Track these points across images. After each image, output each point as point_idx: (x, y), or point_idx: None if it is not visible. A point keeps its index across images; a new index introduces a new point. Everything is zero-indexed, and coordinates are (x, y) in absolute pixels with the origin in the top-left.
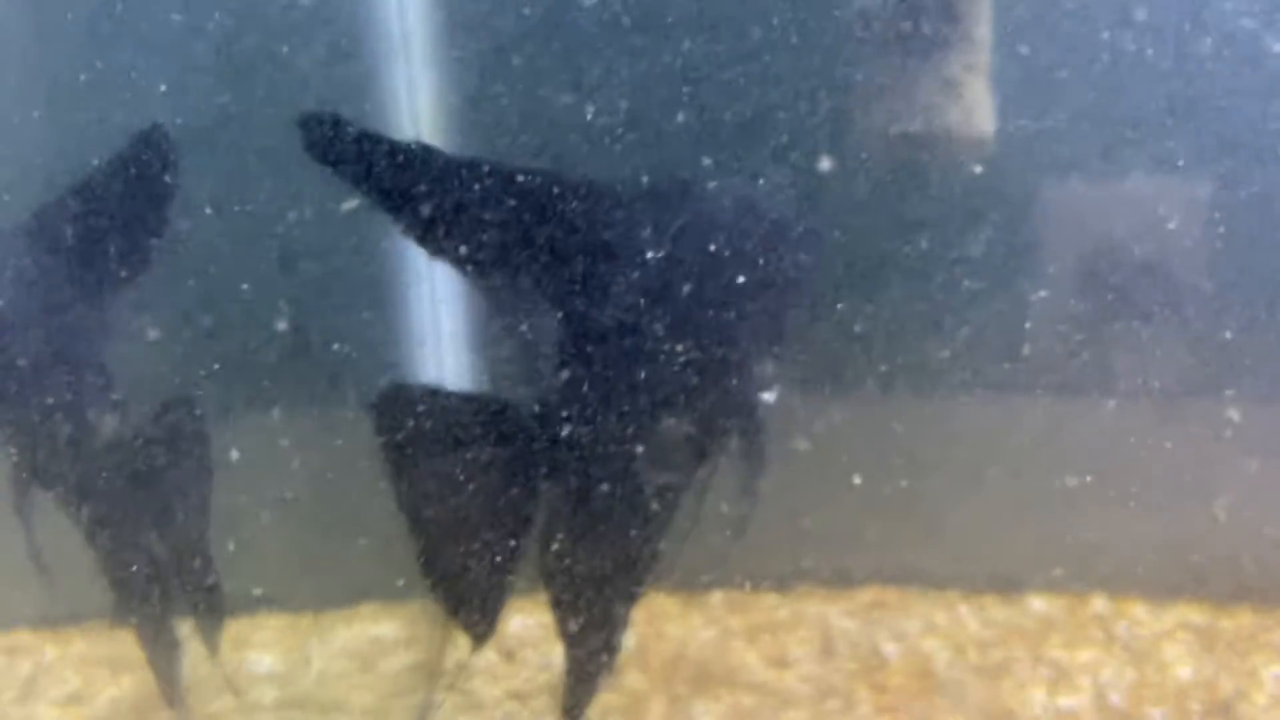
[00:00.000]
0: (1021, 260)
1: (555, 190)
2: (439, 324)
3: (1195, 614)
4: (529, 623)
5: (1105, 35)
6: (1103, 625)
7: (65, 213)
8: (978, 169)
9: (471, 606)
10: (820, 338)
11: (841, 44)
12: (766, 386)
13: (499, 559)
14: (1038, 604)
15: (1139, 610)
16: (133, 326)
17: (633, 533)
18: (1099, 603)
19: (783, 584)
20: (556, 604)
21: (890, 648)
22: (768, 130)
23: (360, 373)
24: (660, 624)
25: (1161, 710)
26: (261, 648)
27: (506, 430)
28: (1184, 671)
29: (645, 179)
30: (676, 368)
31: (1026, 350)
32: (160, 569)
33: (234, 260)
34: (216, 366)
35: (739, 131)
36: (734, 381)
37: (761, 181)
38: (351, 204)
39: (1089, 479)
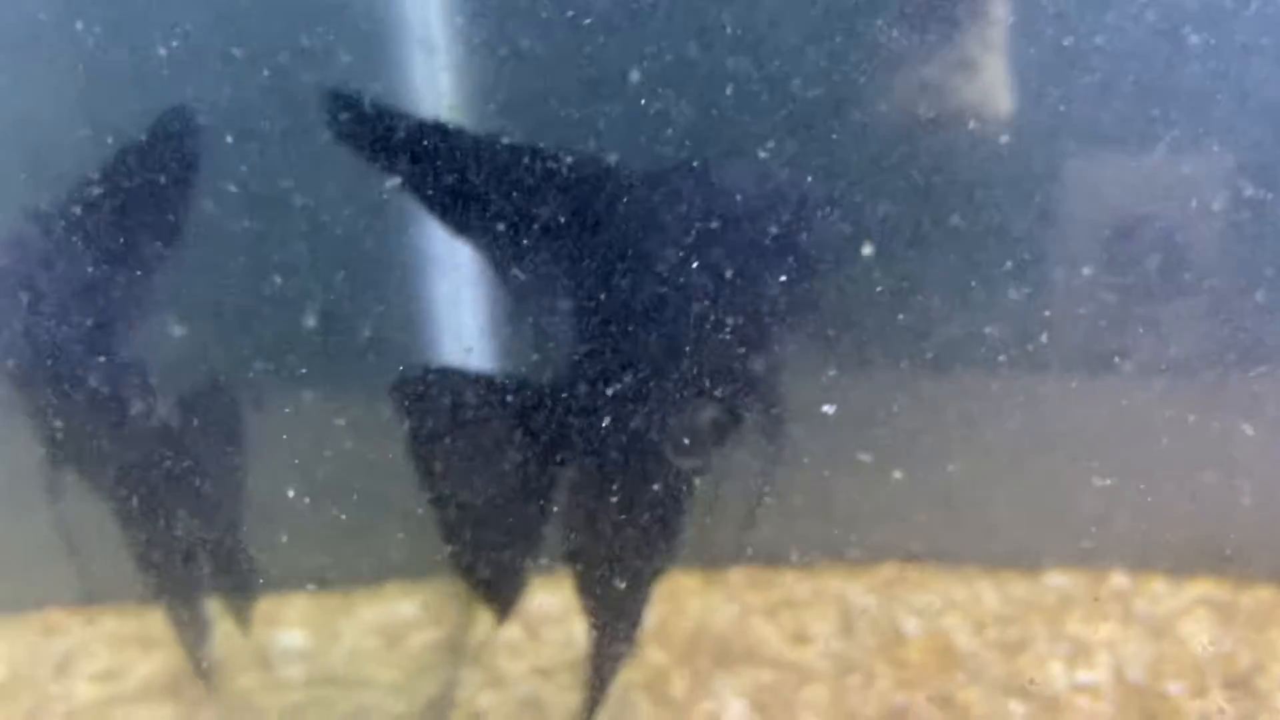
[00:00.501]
0: (1041, 238)
1: (576, 170)
2: (461, 306)
3: (1214, 589)
4: (552, 600)
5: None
6: (1122, 601)
7: (95, 197)
8: (996, 147)
9: (494, 584)
10: (840, 316)
11: (859, 23)
12: (790, 367)
13: (520, 538)
14: (1057, 580)
15: (1158, 586)
16: (163, 311)
17: (654, 511)
18: (1118, 578)
19: (803, 561)
20: (579, 582)
21: (910, 624)
22: (787, 111)
23: (384, 356)
24: (681, 600)
25: (1180, 685)
26: (291, 625)
27: (527, 411)
28: (1202, 646)
29: (665, 160)
30: (698, 347)
31: (1047, 327)
32: (191, 549)
33: (261, 247)
34: (245, 351)
35: (758, 113)
36: (755, 360)
37: (781, 162)
38: (394, 181)
39: (1109, 455)
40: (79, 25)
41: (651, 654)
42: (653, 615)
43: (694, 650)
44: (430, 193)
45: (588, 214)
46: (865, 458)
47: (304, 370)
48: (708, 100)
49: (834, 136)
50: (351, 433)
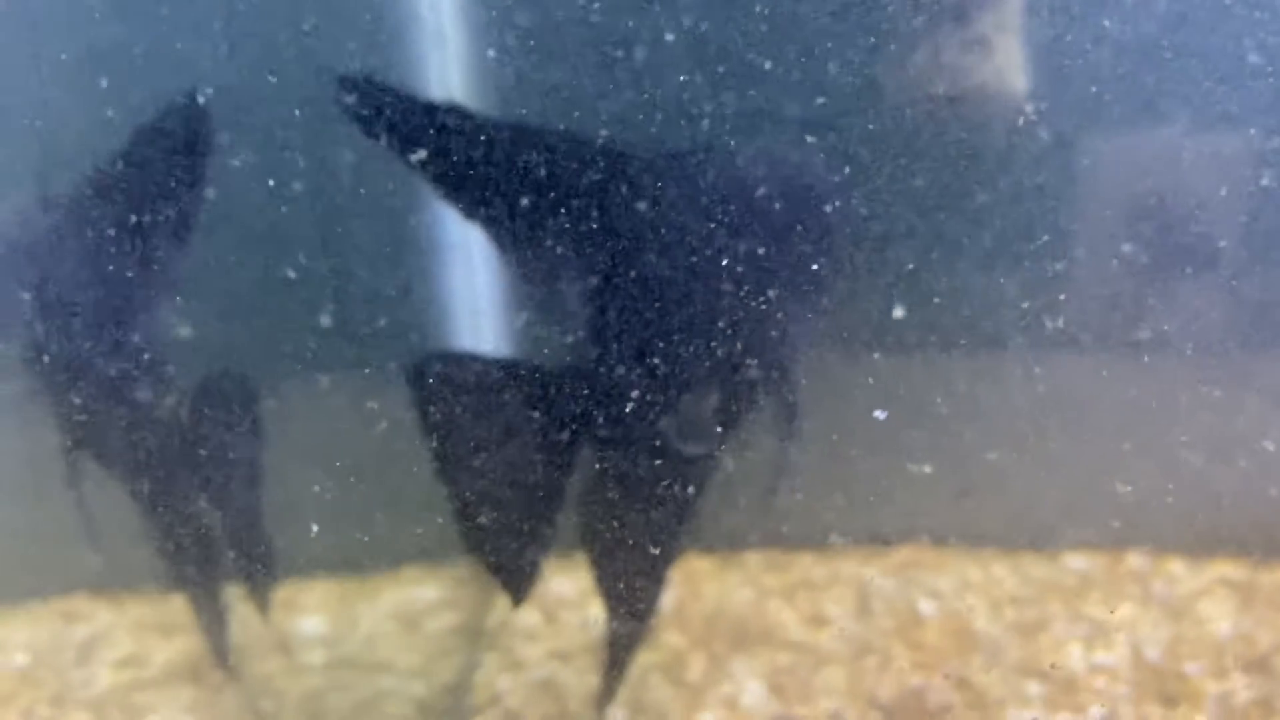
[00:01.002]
0: (1059, 217)
1: (589, 154)
2: (476, 292)
3: (1233, 570)
4: (569, 583)
5: None
6: (1140, 581)
7: (109, 184)
8: (1012, 126)
9: (510, 568)
10: (854, 297)
11: (873, 3)
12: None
13: (536, 521)
14: (1075, 561)
15: (1177, 566)
16: (179, 298)
17: (669, 494)
18: (1136, 559)
19: (819, 543)
20: (595, 565)
21: (927, 605)
22: (800, 92)
23: (400, 342)
24: (698, 583)
25: (1198, 665)
26: (310, 610)
27: (542, 395)
28: (1222, 627)
29: (678, 143)
30: (711, 331)
31: (1066, 307)
32: (210, 536)
33: (275, 234)
34: (261, 338)
35: (771, 95)
36: (768, 344)
37: (795, 143)
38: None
39: (1129, 436)
40: (95, 14)
41: (669, 636)
42: (670, 598)
43: (711, 633)
44: (443, 176)
45: (600, 198)
46: (881, 439)
47: (320, 356)
48: (720, 83)
49: (849, 117)
50: (368, 418)
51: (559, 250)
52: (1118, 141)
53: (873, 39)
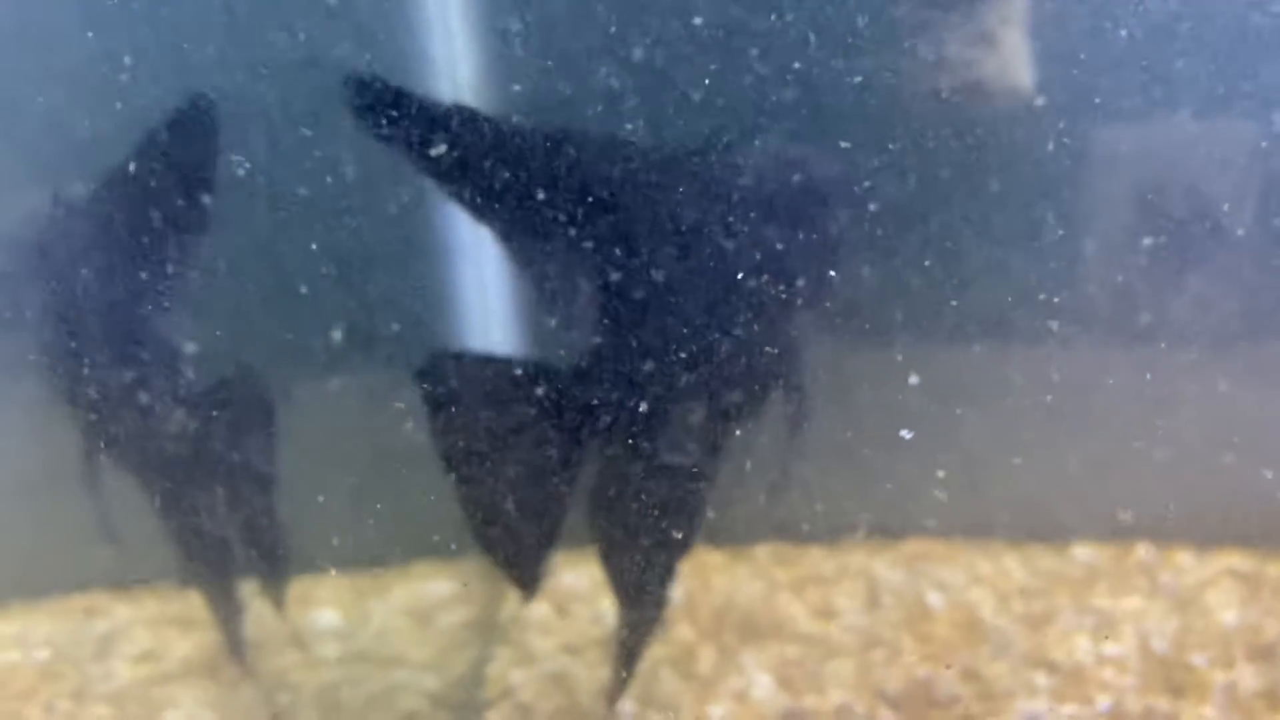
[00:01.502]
0: (1067, 209)
1: (598, 152)
2: (485, 292)
3: (1240, 560)
4: (580, 577)
5: None
6: (1147, 573)
7: (125, 187)
8: (1016, 120)
9: (519, 563)
10: (863, 291)
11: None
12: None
13: (546, 519)
14: (1083, 553)
15: (1184, 557)
16: (194, 300)
17: (678, 489)
18: (1144, 550)
19: (829, 536)
20: (606, 560)
21: (935, 598)
22: (805, 87)
23: (412, 341)
24: (708, 577)
25: (1205, 656)
26: (324, 605)
27: (550, 392)
28: (1228, 617)
29: (683, 140)
30: (720, 327)
31: (1073, 300)
32: (225, 534)
33: (289, 236)
34: (276, 337)
35: (776, 90)
36: (777, 339)
37: (803, 139)
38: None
39: (1137, 427)
40: (98, 18)
41: (679, 630)
42: (680, 591)
43: (721, 626)
44: (452, 176)
45: (611, 196)
46: (890, 432)
47: (331, 356)
48: (726, 81)
49: (855, 113)
50: (379, 416)
51: (568, 249)
52: (1124, 132)
53: (878, 35)
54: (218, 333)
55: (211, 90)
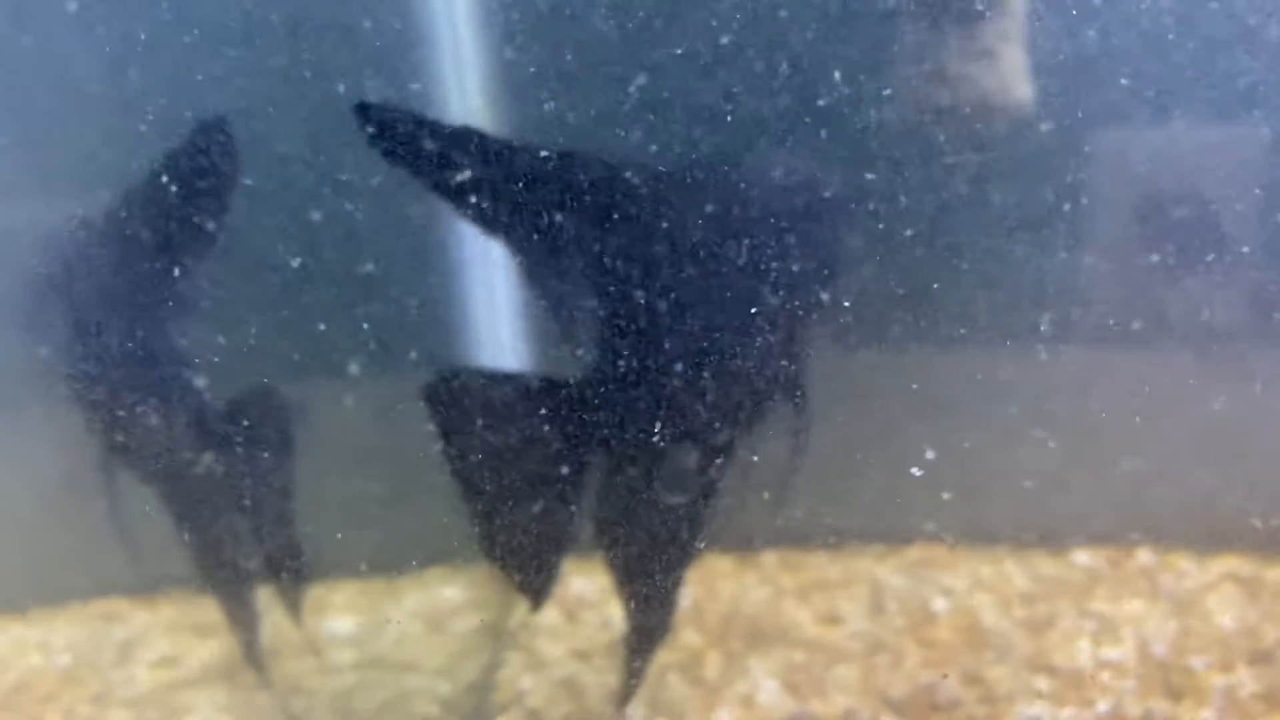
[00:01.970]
0: (1064, 215)
1: (605, 170)
2: (496, 307)
3: (1240, 565)
4: (589, 584)
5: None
6: (1147, 577)
7: (142, 202)
8: (1018, 134)
9: (527, 572)
10: (866, 301)
11: (877, 15)
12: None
13: (553, 530)
14: (1083, 558)
15: (1184, 562)
16: (210, 311)
17: (684, 497)
18: (1144, 555)
19: (833, 543)
20: (614, 567)
21: (939, 603)
22: (806, 103)
23: (423, 353)
24: (714, 583)
25: (1204, 659)
26: (339, 612)
27: (558, 404)
28: (1228, 621)
29: (687, 155)
30: (726, 339)
31: (1070, 306)
32: (241, 542)
33: (304, 250)
34: (291, 348)
35: (778, 105)
36: (782, 350)
37: (806, 156)
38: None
39: (1136, 432)
40: (114, 38)
41: (686, 636)
42: (687, 598)
43: (727, 632)
44: (462, 195)
45: (619, 214)
46: (893, 438)
47: (344, 368)
48: (730, 97)
49: (857, 129)
50: (392, 426)
51: (576, 265)
52: (1124, 142)
53: (879, 51)
54: (233, 347)
55: (227, 112)
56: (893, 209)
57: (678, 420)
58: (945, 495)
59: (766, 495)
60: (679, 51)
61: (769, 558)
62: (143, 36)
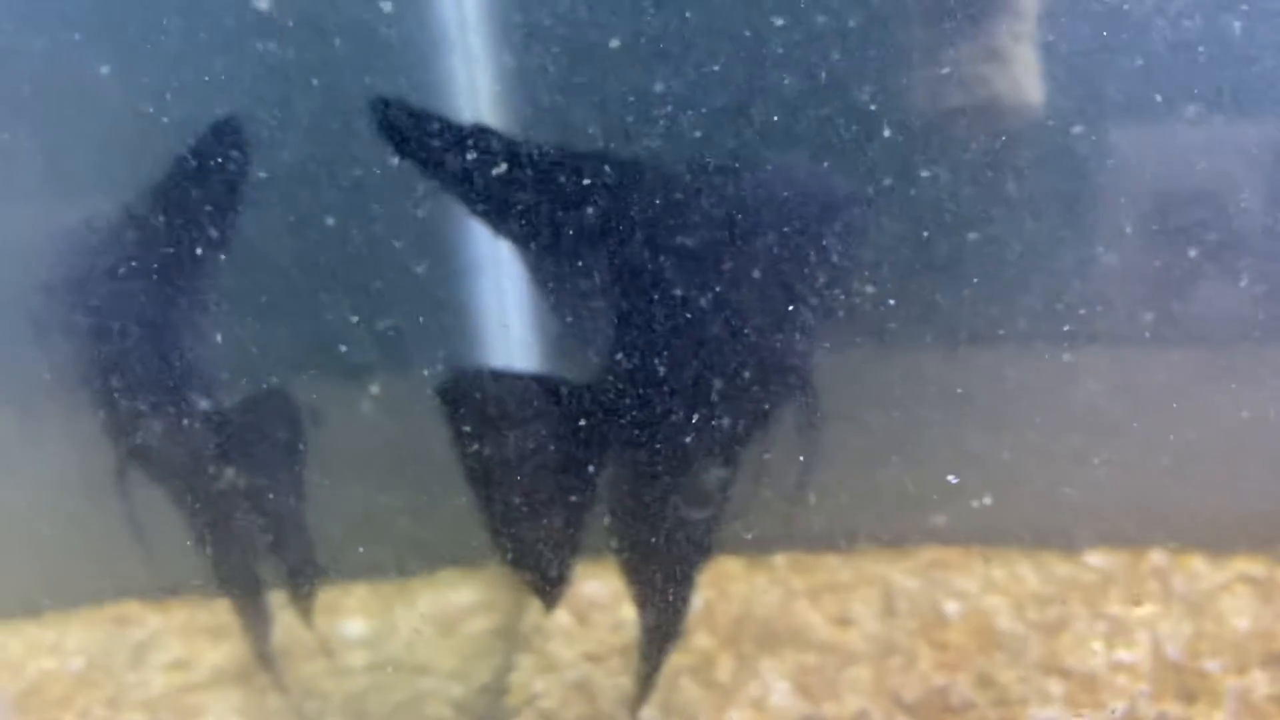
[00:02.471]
0: (1078, 216)
1: (614, 170)
2: (507, 308)
3: (1253, 566)
4: (601, 586)
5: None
6: (1161, 579)
7: (152, 204)
8: (1030, 135)
9: (541, 573)
10: (877, 301)
11: (889, 16)
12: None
13: (565, 531)
14: (1096, 559)
15: (1197, 563)
16: (222, 312)
17: (695, 499)
18: (1157, 557)
19: (845, 545)
20: (627, 570)
21: (951, 605)
22: (818, 104)
23: (435, 355)
24: (726, 585)
25: (1218, 662)
26: (351, 614)
27: (570, 405)
28: (1242, 623)
29: (696, 156)
30: (732, 340)
31: (1084, 305)
32: (253, 544)
33: (315, 250)
34: (301, 351)
35: (789, 106)
36: (789, 351)
37: (813, 156)
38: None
39: (1147, 431)
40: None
41: (698, 638)
42: (699, 600)
43: (739, 634)
44: (473, 193)
45: (629, 213)
46: (906, 440)
47: (355, 369)
48: (741, 98)
49: (868, 130)
50: (402, 428)
51: (587, 264)
52: (1135, 141)
53: (890, 52)
54: (242, 347)
55: (237, 112)
56: (905, 210)
57: (691, 422)
58: (957, 497)
59: (780, 496)
60: (689, 54)
61: (780, 559)
62: (154, 36)
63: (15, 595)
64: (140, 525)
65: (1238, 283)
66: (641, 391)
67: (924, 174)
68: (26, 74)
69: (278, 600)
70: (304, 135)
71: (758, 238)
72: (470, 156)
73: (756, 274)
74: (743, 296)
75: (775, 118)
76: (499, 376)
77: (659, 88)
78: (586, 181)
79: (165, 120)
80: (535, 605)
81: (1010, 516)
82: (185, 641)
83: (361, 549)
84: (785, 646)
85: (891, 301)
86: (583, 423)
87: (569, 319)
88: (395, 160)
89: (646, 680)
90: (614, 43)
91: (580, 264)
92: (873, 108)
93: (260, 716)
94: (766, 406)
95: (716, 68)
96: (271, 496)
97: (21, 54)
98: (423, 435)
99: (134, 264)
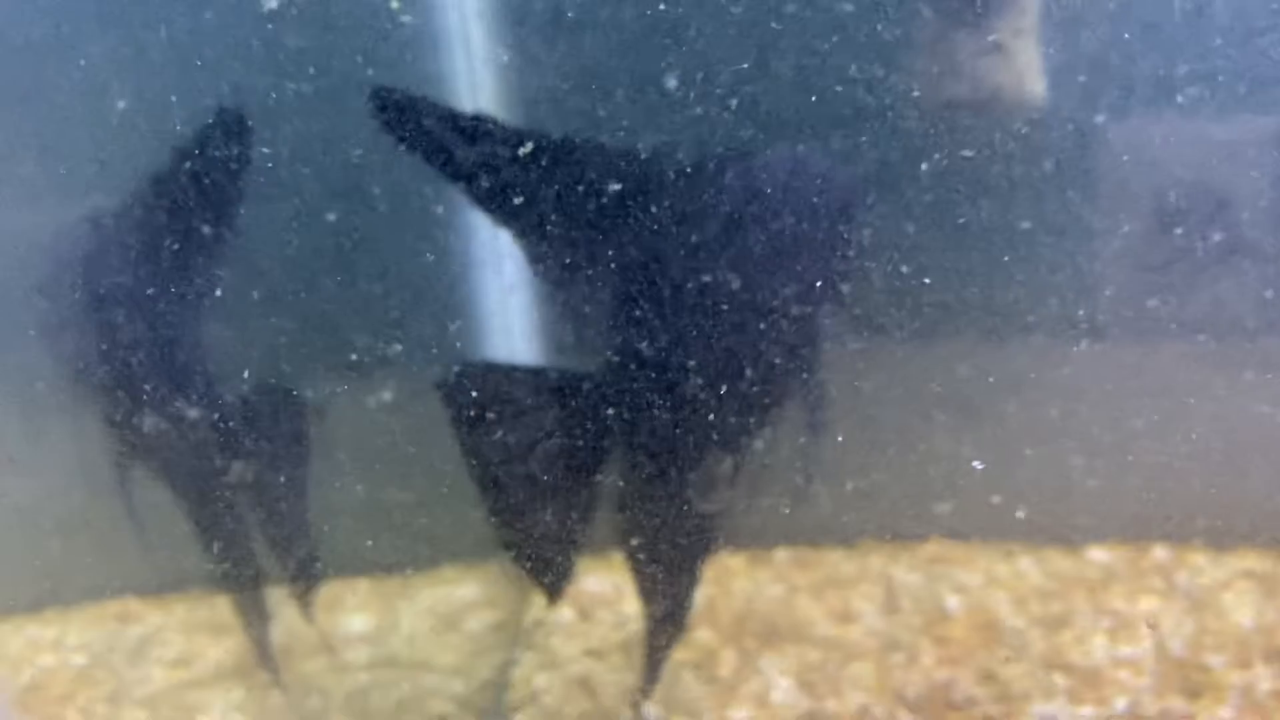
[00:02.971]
0: (1079, 208)
1: (618, 161)
2: (509, 302)
3: (1256, 562)
4: (602, 582)
5: None
6: (1163, 574)
7: (151, 198)
8: (1032, 130)
9: (545, 568)
10: (880, 295)
11: (891, 11)
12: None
13: (570, 523)
14: (1099, 554)
15: (1200, 559)
16: (223, 309)
17: (698, 495)
18: (1160, 552)
19: (847, 540)
20: (632, 563)
21: (953, 601)
22: (821, 97)
23: (436, 349)
24: (728, 581)
25: (1221, 657)
26: (353, 610)
27: (573, 400)
28: (1245, 618)
29: (699, 148)
30: (740, 332)
31: (1084, 301)
32: (253, 540)
33: (316, 246)
34: (304, 347)
35: (792, 99)
36: (798, 344)
37: (815, 148)
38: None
39: (1151, 427)
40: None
41: (700, 634)
42: (701, 596)
43: (741, 630)
44: (473, 185)
45: (629, 204)
46: (905, 435)
47: (358, 365)
48: (742, 91)
49: (870, 124)
50: (406, 421)
51: (589, 257)
52: (1138, 136)
53: (891, 46)
54: (243, 342)
55: (238, 107)
56: (906, 204)
57: (696, 413)
58: (960, 491)
59: (785, 491)
60: (690, 49)
61: (782, 555)
62: (156, 28)
63: (16, 591)
64: (142, 521)
65: (1242, 276)
66: (645, 384)
67: (925, 168)
68: (22, 66)
69: (280, 596)
70: (306, 128)
71: (762, 228)
72: (471, 145)
73: (761, 264)
74: (747, 287)
75: (777, 109)
76: (502, 369)
77: (660, 78)
78: (589, 171)
79: (167, 114)
80: (537, 601)
81: (1013, 511)
82: (186, 638)
83: (365, 544)
84: (787, 642)
85: (892, 296)
86: (585, 415)
87: (571, 311)
88: (397, 150)
89: (651, 674)
90: (614, 32)
91: (582, 254)
92: (874, 101)
93: (262, 713)
94: (772, 398)
95: (717, 59)
96: (274, 491)
97: (17, 45)
98: (425, 429)
99: (135, 257)
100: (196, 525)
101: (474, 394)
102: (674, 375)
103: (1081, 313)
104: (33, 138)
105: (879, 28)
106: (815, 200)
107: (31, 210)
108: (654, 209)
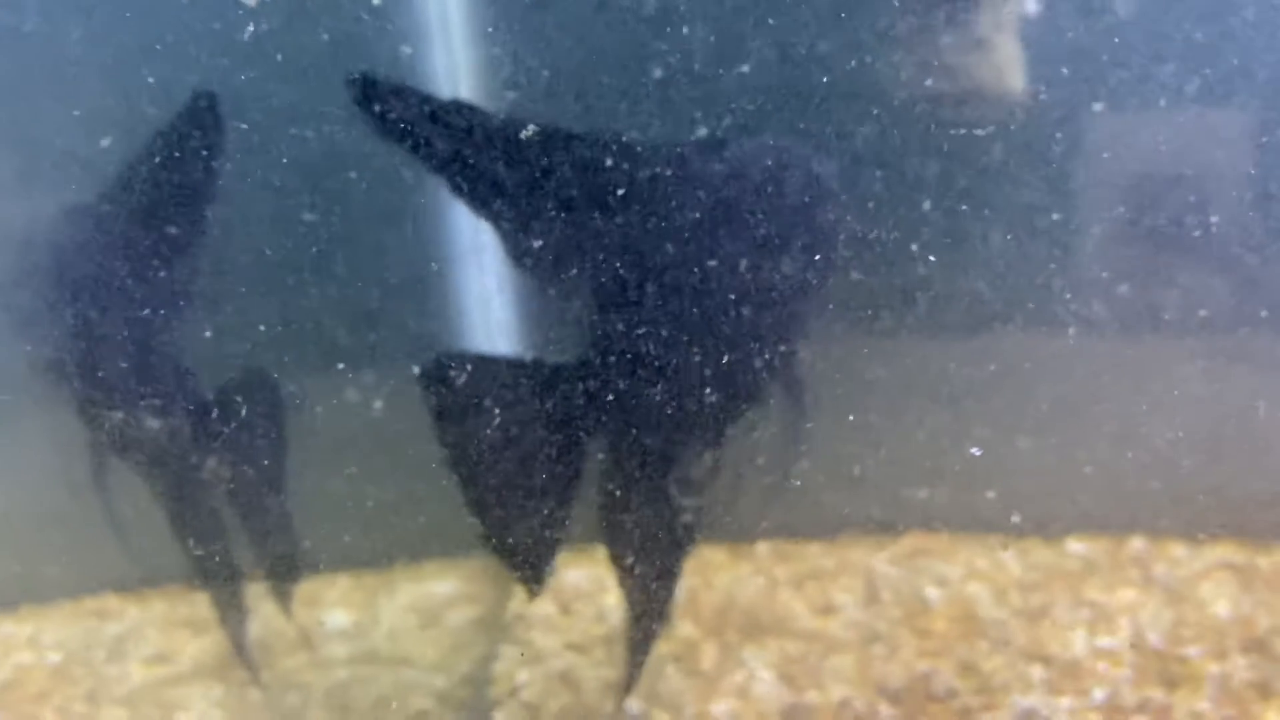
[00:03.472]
0: (1060, 200)
1: (596, 149)
2: (488, 290)
3: (1233, 553)
4: (584, 576)
5: None
6: (1141, 566)
7: (128, 189)
8: (1012, 124)
9: (525, 561)
10: (860, 288)
11: (873, 3)
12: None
13: (551, 515)
14: (1077, 546)
15: (1177, 550)
16: (203, 302)
17: (680, 487)
18: (1138, 544)
19: (828, 533)
20: (613, 556)
21: (933, 593)
22: (801, 89)
23: (416, 342)
24: (710, 574)
25: (1199, 648)
26: (333, 605)
27: (553, 391)
28: (1222, 609)
29: (681, 138)
30: (720, 324)
31: (1063, 294)
32: (231, 535)
33: (296, 237)
34: (283, 339)
35: (772, 90)
36: (778, 336)
37: (797, 141)
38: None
39: (1129, 418)
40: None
41: (682, 627)
42: (682, 589)
43: (723, 623)
44: (452, 172)
45: (609, 194)
46: (886, 427)
47: (337, 357)
48: (723, 83)
49: (847, 116)
50: (384, 416)
51: (568, 246)
52: (1118, 129)
53: (873, 41)
54: (221, 334)
55: (216, 99)
56: (888, 197)
57: (676, 407)
58: (939, 484)
59: (765, 485)
60: (670, 44)
61: (763, 548)
62: (136, 24)
63: None
64: (118, 516)
65: (1219, 271)
66: (626, 375)
67: (908, 161)
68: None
69: (258, 592)
70: (285, 122)
71: (743, 219)
72: (451, 133)
73: (741, 254)
74: (727, 277)
75: (759, 103)
76: (482, 360)
77: (640, 70)
78: (568, 160)
79: (139, 107)
80: (518, 596)
81: (992, 503)
82: (165, 634)
83: (344, 539)
84: (769, 635)
85: (872, 289)
86: (566, 406)
87: (552, 302)
88: (376, 138)
89: (634, 668)
90: (596, 26)
91: (564, 245)
92: (855, 95)
93: (241, 709)
94: (754, 391)
95: (698, 51)
96: (253, 486)
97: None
98: (405, 422)
99: (109, 253)
100: (174, 521)
101: (453, 384)
102: (653, 366)
103: (1057, 308)
104: (3, 127)
105: (860, 22)
106: (796, 191)
107: (2, 202)
108: (635, 200)
